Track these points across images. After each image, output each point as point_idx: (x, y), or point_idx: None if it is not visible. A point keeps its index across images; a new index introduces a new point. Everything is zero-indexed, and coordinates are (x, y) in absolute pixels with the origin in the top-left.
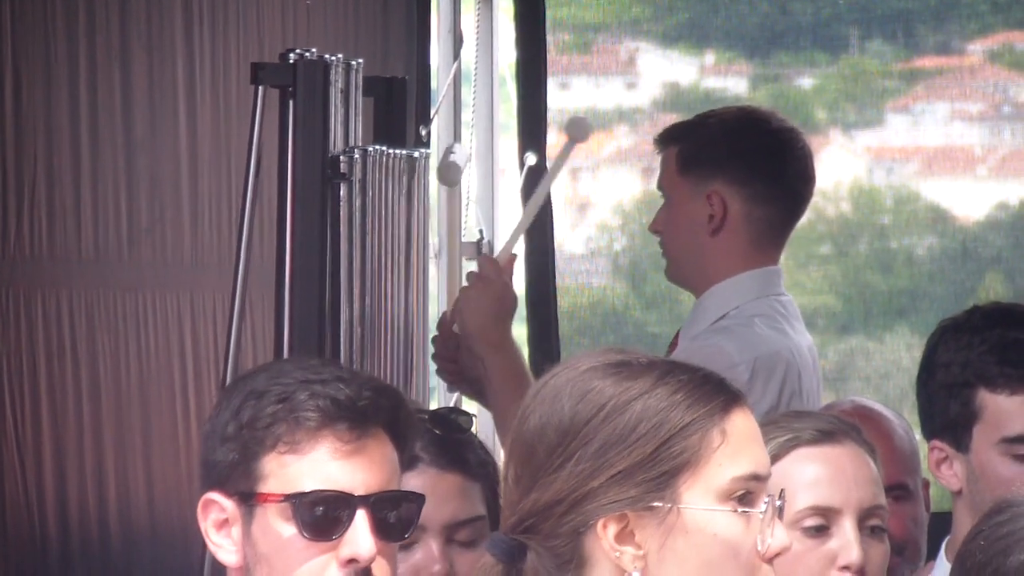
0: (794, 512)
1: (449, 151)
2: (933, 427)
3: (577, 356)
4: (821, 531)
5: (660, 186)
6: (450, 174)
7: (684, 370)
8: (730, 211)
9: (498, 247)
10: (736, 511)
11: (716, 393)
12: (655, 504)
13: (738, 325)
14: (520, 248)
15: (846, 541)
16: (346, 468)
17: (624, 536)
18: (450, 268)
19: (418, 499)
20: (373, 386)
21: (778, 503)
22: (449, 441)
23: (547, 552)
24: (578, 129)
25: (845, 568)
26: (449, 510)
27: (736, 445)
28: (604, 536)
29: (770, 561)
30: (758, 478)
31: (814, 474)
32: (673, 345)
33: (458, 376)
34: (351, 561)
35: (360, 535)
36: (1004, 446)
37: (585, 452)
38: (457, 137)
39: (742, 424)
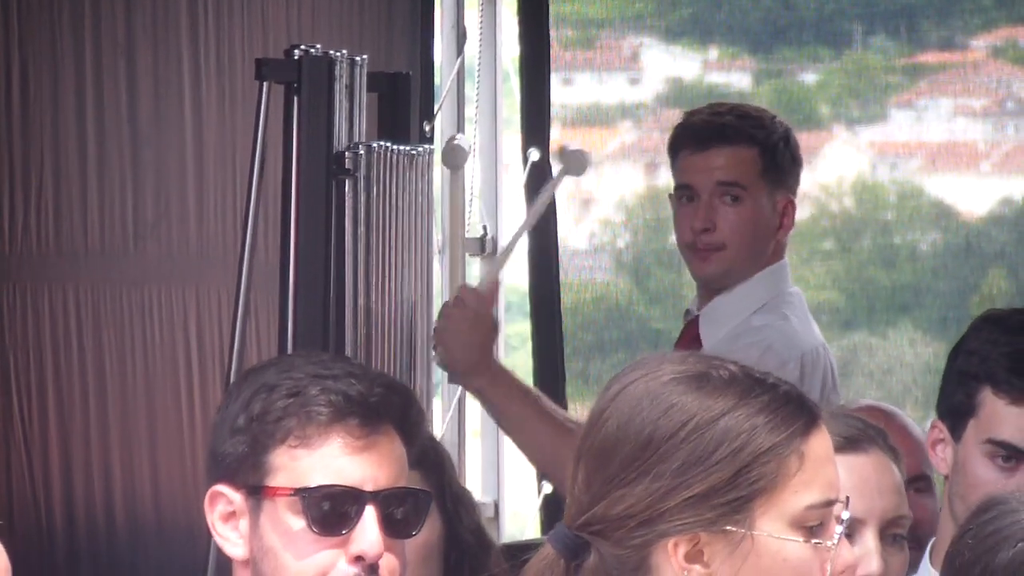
0: None
1: (453, 137)
2: (940, 407)
3: (656, 359)
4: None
5: (731, 183)
6: (455, 157)
7: (764, 387)
8: (791, 219)
9: (502, 244)
10: (809, 541)
11: (797, 415)
12: (728, 528)
13: (776, 322)
14: (523, 244)
15: (867, 551)
16: (356, 463)
17: (693, 555)
18: (452, 263)
19: (426, 496)
20: (384, 382)
21: (845, 515)
22: None
23: (613, 558)
24: (574, 162)
25: None
26: None
27: (812, 470)
28: (674, 554)
29: None
30: (831, 503)
31: None
32: (686, 339)
33: None
34: (359, 557)
35: (369, 531)
36: (988, 447)
37: (663, 469)
38: (461, 132)
39: (819, 446)
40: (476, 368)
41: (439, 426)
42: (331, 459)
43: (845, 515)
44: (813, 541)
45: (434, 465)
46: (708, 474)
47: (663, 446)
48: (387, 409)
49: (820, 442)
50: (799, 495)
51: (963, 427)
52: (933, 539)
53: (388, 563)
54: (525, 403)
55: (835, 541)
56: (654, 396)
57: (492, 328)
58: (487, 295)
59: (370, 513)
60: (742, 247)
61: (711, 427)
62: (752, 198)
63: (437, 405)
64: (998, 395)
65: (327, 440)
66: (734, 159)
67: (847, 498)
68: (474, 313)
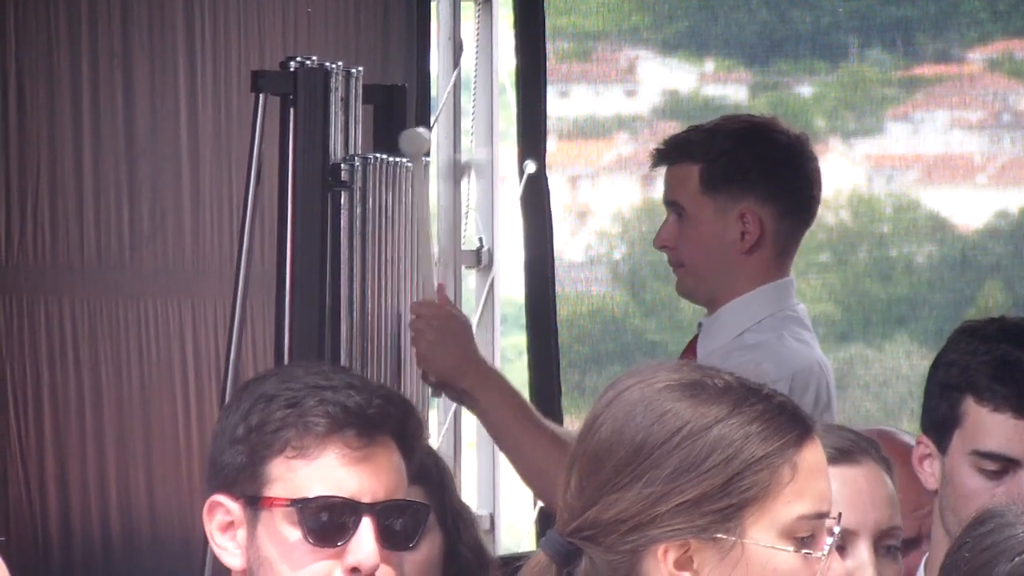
0: None
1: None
2: (924, 421)
3: (652, 368)
4: (837, 552)
5: (671, 202)
6: (415, 143)
7: (759, 396)
8: (765, 229)
9: (498, 256)
10: (799, 552)
11: (791, 425)
12: (719, 536)
13: (769, 340)
14: (519, 256)
15: (861, 563)
16: (353, 475)
17: (683, 562)
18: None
19: (424, 509)
20: (383, 394)
21: (836, 529)
22: None
23: (604, 564)
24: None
25: None
26: None
27: (804, 481)
28: (664, 561)
29: None
30: (822, 515)
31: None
32: (689, 348)
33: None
34: (355, 569)
35: (365, 543)
36: (974, 458)
37: (655, 475)
38: (457, 145)
39: (812, 458)
40: (458, 369)
41: (435, 438)
42: (328, 470)
43: (837, 529)
44: (803, 552)
45: (436, 481)
46: (700, 481)
47: (656, 452)
48: (385, 421)
49: (813, 454)
50: (791, 505)
51: (948, 439)
52: (927, 553)
53: (384, 575)
54: (512, 407)
55: (825, 552)
56: (648, 403)
57: (463, 326)
58: (440, 299)
59: (367, 525)
60: (696, 263)
61: (704, 434)
62: (693, 215)
63: (433, 417)
64: (981, 404)
65: (324, 451)
66: (674, 178)
67: (840, 513)
68: (435, 317)
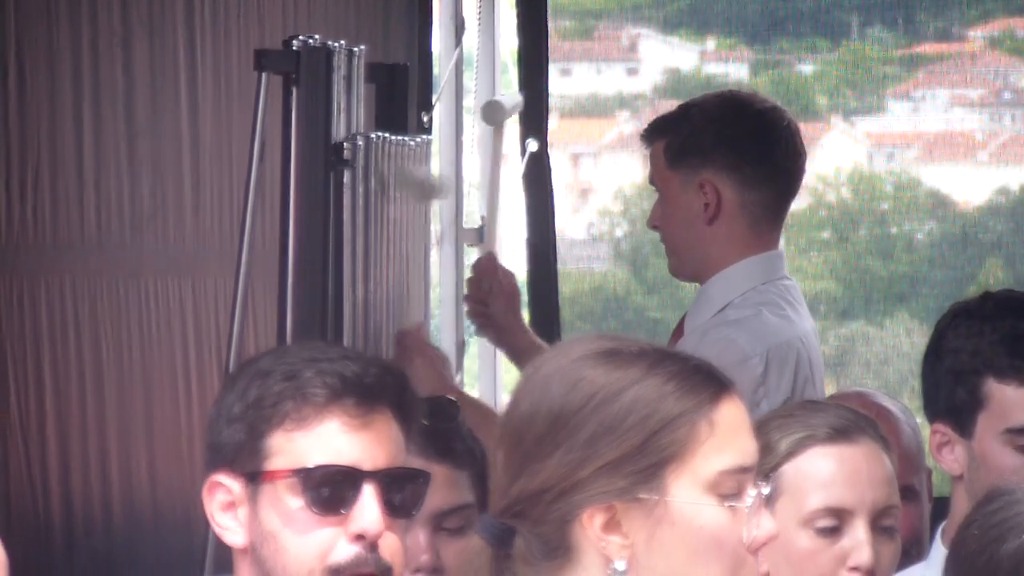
0: (807, 511)
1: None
2: (937, 410)
3: (569, 342)
4: (834, 531)
5: (652, 181)
6: (494, 113)
7: (675, 359)
8: (723, 198)
9: (500, 234)
10: (723, 504)
11: (706, 383)
12: (642, 496)
13: (747, 316)
14: (521, 234)
15: (858, 542)
16: (354, 442)
17: (611, 526)
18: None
19: (425, 477)
20: (379, 364)
21: (765, 491)
22: (436, 430)
23: (535, 538)
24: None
25: (855, 569)
26: (436, 499)
27: (723, 437)
28: (591, 526)
29: (756, 551)
30: (745, 470)
31: (828, 474)
32: (677, 333)
33: (487, 320)
34: (360, 536)
35: (368, 510)
36: (1008, 436)
37: (574, 442)
38: (459, 126)
39: (730, 415)
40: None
41: None
42: (329, 439)
43: (766, 490)
44: (727, 504)
45: (480, 471)
46: (618, 442)
47: (573, 419)
48: (383, 390)
49: (732, 410)
50: (710, 460)
51: (972, 423)
52: (944, 522)
53: (389, 543)
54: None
55: (748, 504)
56: (563, 373)
57: (440, 363)
58: (420, 330)
59: (369, 492)
60: (673, 238)
61: (619, 397)
62: (664, 190)
63: None
64: (1004, 382)
65: (324, 420)
66: (651, 156)
67: (769, 475)
68: (419, 354)
